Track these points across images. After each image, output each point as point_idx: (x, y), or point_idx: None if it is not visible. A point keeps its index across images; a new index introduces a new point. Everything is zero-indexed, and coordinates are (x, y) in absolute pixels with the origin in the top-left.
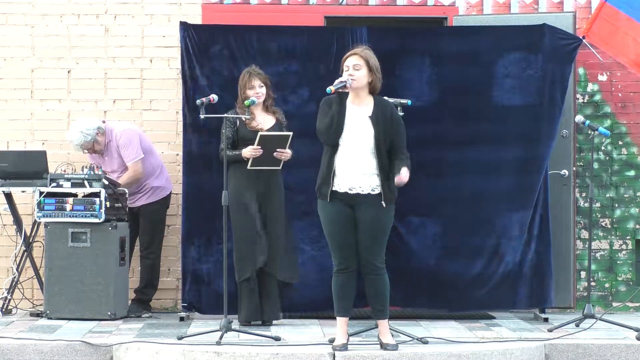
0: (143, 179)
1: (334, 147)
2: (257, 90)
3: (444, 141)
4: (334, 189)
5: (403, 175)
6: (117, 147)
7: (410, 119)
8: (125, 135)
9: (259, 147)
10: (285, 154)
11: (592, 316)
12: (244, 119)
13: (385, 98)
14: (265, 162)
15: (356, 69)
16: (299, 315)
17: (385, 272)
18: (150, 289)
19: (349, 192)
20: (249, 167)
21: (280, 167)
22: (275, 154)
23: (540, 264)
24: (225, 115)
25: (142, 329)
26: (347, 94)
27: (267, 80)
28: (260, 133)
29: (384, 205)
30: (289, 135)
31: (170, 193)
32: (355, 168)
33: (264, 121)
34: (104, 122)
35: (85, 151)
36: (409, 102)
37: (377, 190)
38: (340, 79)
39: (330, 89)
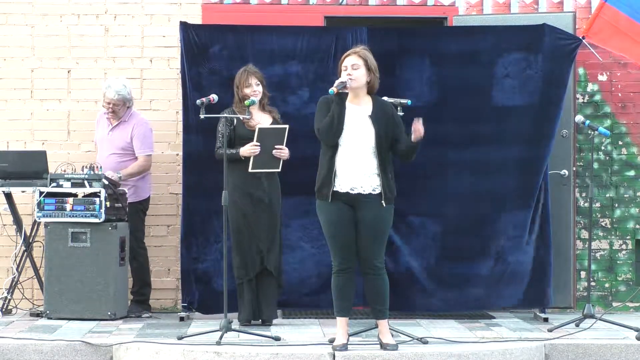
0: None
1: (334, 147)
2: (254, 89)
3: (444, 141)
4: (335, 189)
5: (418, 124)
6: (132, 130)
7: (411, 119)
8: (145, 126)
9: (257, 143)
10: (284, 151)
11: (592, 316)
12: (242, 119)
13: (385, 98)
14: (265, 163)
15: (354, 68)
16: (299, 314)
17: (385, 272)
18: (145, 288)
19: (351, 192)
20: (250, 169)
21: (279, 169)
22: (274, 152)
23: (540, 264)
24: (224, 115)
25: (142, 329)
26: (347, 93)
27: (262, 78)
28: (258, 127)
29: (384, 205)
30: (286, 128)
31: (149, 198)
32: (357, 168)
33: (262, 120)
34: None
35: (105, 104)
36: (409, 102)
37: (378, 190)
38: (340, 80)
39: (333, 90)
